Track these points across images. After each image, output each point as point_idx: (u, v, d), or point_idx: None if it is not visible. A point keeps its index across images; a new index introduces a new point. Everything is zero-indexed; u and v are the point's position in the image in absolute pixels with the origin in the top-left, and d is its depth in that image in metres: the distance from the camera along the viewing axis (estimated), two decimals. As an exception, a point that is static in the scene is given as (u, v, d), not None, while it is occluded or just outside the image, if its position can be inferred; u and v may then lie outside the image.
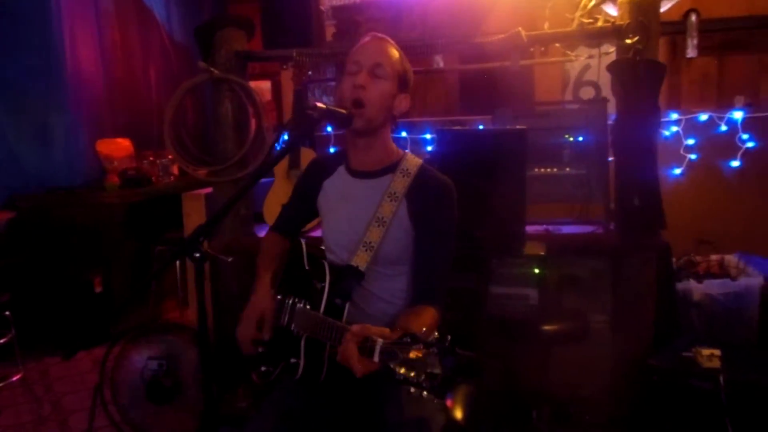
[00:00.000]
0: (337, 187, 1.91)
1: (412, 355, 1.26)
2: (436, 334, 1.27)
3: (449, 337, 1.26)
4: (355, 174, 1.86)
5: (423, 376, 1.24)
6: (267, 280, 1.87)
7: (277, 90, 6.17)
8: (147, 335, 3.04)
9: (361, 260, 1.74)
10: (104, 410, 3.01)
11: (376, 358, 1.34)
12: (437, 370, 1.23)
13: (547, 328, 2.73)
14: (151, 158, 5.10)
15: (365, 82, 1.72)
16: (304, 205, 2.01)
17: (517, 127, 2.87)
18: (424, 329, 1.33)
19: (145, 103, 5.51)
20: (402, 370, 1.27)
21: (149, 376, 2.97)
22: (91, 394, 3.06)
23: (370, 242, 1.75)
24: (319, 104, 1.61)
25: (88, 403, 3.09)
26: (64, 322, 4.23)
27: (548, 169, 3.06)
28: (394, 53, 1.79)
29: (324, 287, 1.74)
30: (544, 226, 3.08)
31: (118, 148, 4.91)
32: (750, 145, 3.18)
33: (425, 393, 1.25)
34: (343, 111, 1.68)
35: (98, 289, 4.31)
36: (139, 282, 4.55)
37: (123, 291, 4.44)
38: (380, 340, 1.35)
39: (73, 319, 4.23)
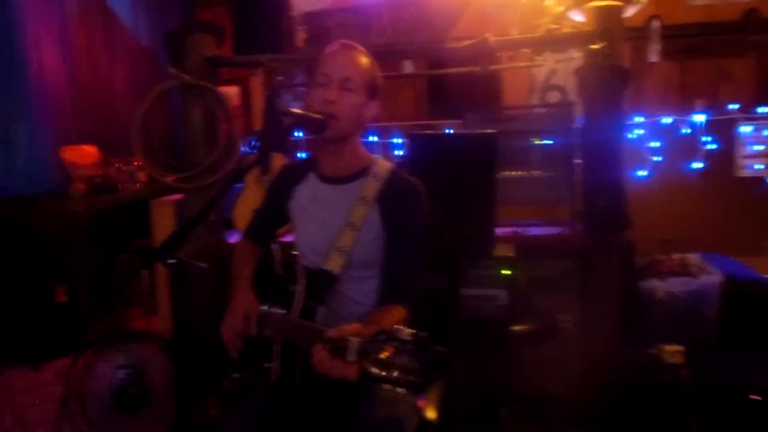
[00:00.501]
0: (308, 193, 1.92)
1: (388, 352, 1.27)
2: (412, 330, 1.28)
3: (426, 333, 1.27)
4: (326, 179, 1.88)
5: (399, 373, 1.25)
6: (246, 280, 1.86)
7: (245, 95, 6.12)
8: (114, 344, 2.99)
9: (334, 264, 1.75)
10: (70, 422, 2.95)
11: (351, 358, 1.34)
12: (413, 366, 1.24)
13: (516, 328, 2.77)
14: (118, 165, 5.02)
15: (335, 97, 1.73)
16: (275, 211, 2.01)
17: (487, 131, 2.91)
18: (396, 327, 1.34)
19: (111, 109, 5.42)
20: (377, 369, 1.28)
21: (117, 386, 2.92)
22: (55, 406, 2.99)
23: (342, 246, 1.76)
24: (294, 110, 1.62)
25: (53, 415, 3.03)
26: (27, 333, 4.14)
27: (517, 172, 3.11)
28: (364, 62, 1.79)
29: (298, 291, 1.74)
30: (513, 228, 3.13)
31: (84, 154, 4.82)
32: (711, 147, 3.27)
33: (401, 390, 1.25)
34: (319, 116, 1.69)
35: (62, 299, 4.22)
36: (108, 291, 4.47)
37: (88, 301, 4.36)
38: (355, 339, 1.34)
39: (36, 330, 4.14)
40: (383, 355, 1.27)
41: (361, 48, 1.82)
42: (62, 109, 4.87)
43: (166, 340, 3.06)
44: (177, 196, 3.52)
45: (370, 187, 1.80)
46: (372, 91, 1.81)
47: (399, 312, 1.66)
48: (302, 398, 1.81)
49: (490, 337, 2.78)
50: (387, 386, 1.27)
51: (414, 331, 1.28)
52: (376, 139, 3.68)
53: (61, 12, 4.85)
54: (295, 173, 1.97)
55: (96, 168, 4.85)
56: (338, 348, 1.36)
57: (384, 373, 1.26)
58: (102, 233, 4.55)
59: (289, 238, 2.19)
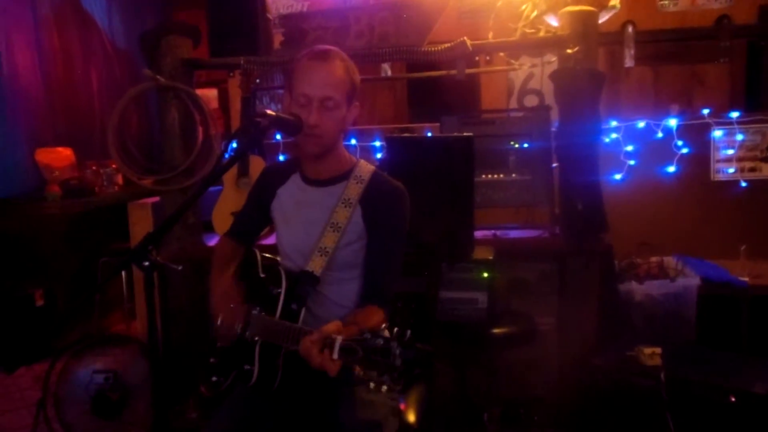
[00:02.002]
0: (291, 194, 1.92)
1: (373, 351, 1.28)
2: (396, 329, 1.30)
3: (409, 331, 1.29)
4: (310, 182, 1.88)
5: (383, 371, 1.26)
6: (227, 277, 1.86)
7: (224, 98, 6.09)
8: (92, 348, 2.96)
9: (316, 265, 1.76)
10: (47, 427, 2.91)
11: (335, 356, 1.35)
12: (395, 364, 1.25)
13: (496, 331, 2.78)
14: (94, 167, 4.96)
15: (317, 121, 1.71)
16: (257, 212, 2.01)
17: (464, 134, 2.92)
18: (380, 326, 1.35)
19: (87, 111, 5.36)
20: (360, 367, 1.29)
21: (95, 390, 2.90)
22: (32, 411, 2.95)
23: (325, 247, 1.77)
24: (269, 111, 1.61)
25: (30, 421, 2.98)
26: (4, 337, 4.07)
27: (495, 176, 3.12)
28: (341, 73, 1.74)
29: (280, 293, 1.75)
30: (492, 231, 3.14)
31: (59, 157, 4.76)
32: (684, 151, 3.30)
33: (384, 388, 1.27)
34: (292, 118, 1.68)
35: (40, 303, 4.16)
36: (83, 294, 4.42)
37: (67, 304, 4.30)
38: (339, 338, 1.36)
39: (13, 334, 4.07)
40: (367, 354, 1.28)
41: (336, 52, 1.77)
42: (36, 111, 4.80)
43: (145, 343, 3.03)
44: (155, 198, 3.49)
45: (353, 189, 1.81)
46: (351, 96, 1.79)
47: (378, 313, 1.68)
48: (281, 402, 1.81)
49: (470, 340, 2.78)
50: (371, 385, 1.28)
51: (397, 329, 1.29)
52: (355, 142, 3.67)
53: (35, 15, 4.78)
54: (278, 174, 1.97)
55: (71, 170, 4.78)
56: (324, 344, 1.38)
57: (368, 372, 1.28)
58: (79, 236, 4.50)
59: (268, 242, 2.19)
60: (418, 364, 1.26)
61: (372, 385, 1.28)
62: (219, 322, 1.82)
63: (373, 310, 1.68)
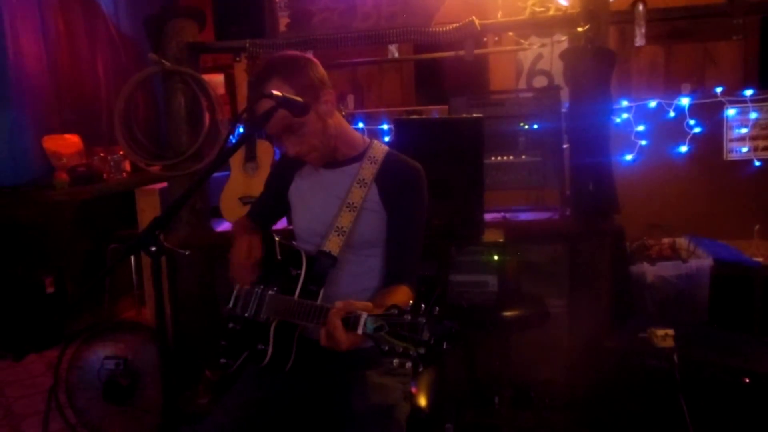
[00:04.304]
0: (309, 178, 1.93)
1: (400, 326, 1.28)
2: (423, 305, 1.29)
3: (437, 307, 1.27)
4: (325, 164, 1.88)
5: (411, 345, 1.25)
6: (246, 222, 1.94)
7: (230, 83, 6.07)
8: (102, 335, 2.97)
9: (333, 245, 1.76)
10: (59, 413, 2.93)
11: (359, 331, 1.35)
12: (426, 337, 1.25)
13: (507, 314, 2.76)
14: (102, 154, 4.97)
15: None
16: (276, 198, 2.02)
17: (473, 115, 2.89)
18: (410, 302, 1.34)
19: (93, 97, 5.35)
20: (388, 342, 1.28)
21: (106, 376, 2.91)
22: (44, 397, 2.97)
23: (341, 227, 1.77)
24: (275, 92, 1.58)
25: (42, 407, 3.00)
26: (15, 324, 4.10)
27: (504, 157, 3.09)
28: (280, 89, 1.63)
29: (299, 274, 1.75)
30: (502, 214, 3.12)
31: (67, 144, 4.77)
32: (697, 130, 3.27)
33: (408, 365, 1.26)
34: (300, 99, 1.65)
35: (50, 290, 4.18)
36: (92, 280, 4.43)
37: (76, 291, 4.32)
38: (364, 314, 1.36)
39: (24, 321, 4.10)
40: (394, 330, 1.28)
41: (267, 69, 1.70)
42: (43, 97, 4.80)
43: (154, 329, 3.04)
44: (163, 184, 3.48)
45: (368, 169, 1.81)
46: (313, 94, 1.71)
47: (405, 291, 1.68)
48: (293, 384, 1.81)
49: (481, 323, 2.77)
50: (395, 361, 1.28)
51: (425, 305, 1.29)
52: (362, 125, 3.64)
53: (39, 0, 4.76)
54: (295, 160, 1.94)
55: (79, 157, 4.79)
56: (347, 321, 1.38)
57: (394, 347, 1.28)
58: (88, 223, 4.52)
59: (277, 226, 2.18)
60: (447, 339, 1.25)
61: (396, 361, 1.27)
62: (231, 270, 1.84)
63: (398, 289, 1.69)
